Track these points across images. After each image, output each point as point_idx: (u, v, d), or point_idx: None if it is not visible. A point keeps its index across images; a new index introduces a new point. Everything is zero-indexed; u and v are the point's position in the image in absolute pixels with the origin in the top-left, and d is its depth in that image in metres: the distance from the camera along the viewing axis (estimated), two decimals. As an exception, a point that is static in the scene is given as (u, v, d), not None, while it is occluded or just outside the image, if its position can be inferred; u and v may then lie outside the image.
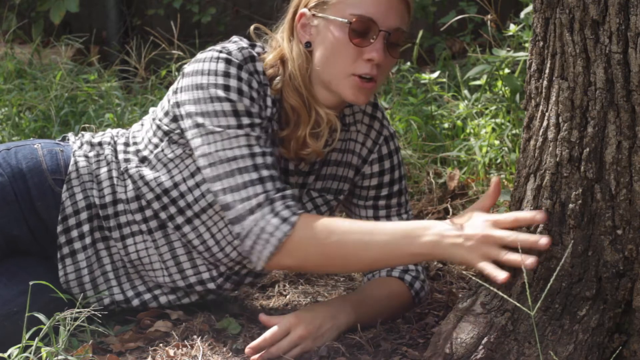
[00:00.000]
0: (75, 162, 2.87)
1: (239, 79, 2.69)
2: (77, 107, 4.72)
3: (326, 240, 2.58)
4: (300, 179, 2.84)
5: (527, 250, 2.38)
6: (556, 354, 2.34)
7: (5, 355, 2.48)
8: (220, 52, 2.72)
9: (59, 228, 2.85)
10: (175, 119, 2.78)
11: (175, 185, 2.78)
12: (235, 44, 2.74)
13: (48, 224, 2.85)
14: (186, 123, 2.72)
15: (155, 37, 5.55)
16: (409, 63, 5.00)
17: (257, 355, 2.63)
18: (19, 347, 2.48)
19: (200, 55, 2.75)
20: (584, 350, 2.35)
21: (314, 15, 2.74)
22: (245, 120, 2.67)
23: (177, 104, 2.75)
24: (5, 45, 5.75)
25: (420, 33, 5.06)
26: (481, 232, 2.44)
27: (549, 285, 2.35)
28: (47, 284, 2.72)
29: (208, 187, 2.75)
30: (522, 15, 4.50)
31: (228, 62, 2.70)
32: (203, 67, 2.71)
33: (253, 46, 2.77)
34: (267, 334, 2.63)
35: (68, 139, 2.98)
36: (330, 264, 2.67)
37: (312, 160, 2.83)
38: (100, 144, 2.91)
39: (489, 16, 4.66)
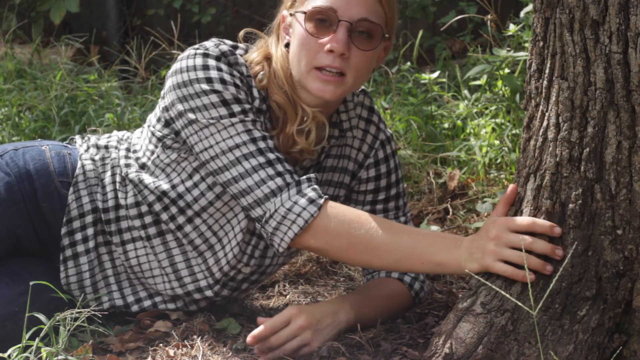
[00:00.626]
0: (82, 166, 2.88)
1: (219, 69, 2.70)
2: (77, 107, 4.72)
3: (354, 230, 2.59)
4: None
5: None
6: (556, 354, 2.34)
7: (6, 355, 2.48)
8: (197, 49, 2.73)
9: (63, 230, 2.85)
10: (167, 124, 2.78)
11: (174, 187, 2.79)
12: (212, 42, 2.76)
13: (52, 226, 2.86)
14: (179, 123, 2.73)
15: (155, 37, 5.55)
16: (409, 63, 5.00)
17: (260, 348, 2.62)
18: (19, 347, 2.48)
19: (178, 57, 2.76)
20: (584, 350, 2.35)
21: (290, 15, 2.74)
22: (236, 108, 2.67)
23: (166, 108, 2.76)
24: (5, 45, 5.75)
25: (420, 33, 5.06)
26: (494, 234, 2.46)
27: (550, 285, 2.35)
28: (48, 284, 2.72)
29: (208, 187, 2.75)
30: (522, 15, 4.50)
31: (205, 55, 2.71)
32: (181, 65, 2.72)
33: (235, 47, 2.78)
34: (267, 323, 2.63)
35: (75, 142, 2.99)
36: (352, 255, 2.65)
37: (305, 161, 2.82)
38: (106, 147, 2.92)
39: (489, 16, 4.66)
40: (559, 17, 2.34)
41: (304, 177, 2.64)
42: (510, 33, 4.42)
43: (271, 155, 2.65)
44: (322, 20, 2.67)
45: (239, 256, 2.84)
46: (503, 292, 2.38)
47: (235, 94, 2.68)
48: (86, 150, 2.92)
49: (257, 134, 2.67)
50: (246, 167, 2.65)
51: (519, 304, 2.36)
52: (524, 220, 2.42)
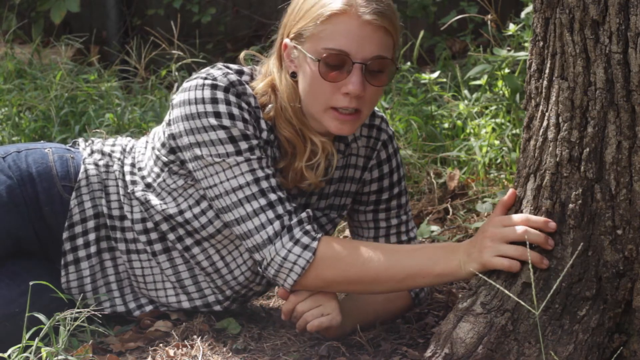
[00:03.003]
0: (86, 170, 2.86)
1: (228, 102, 2.66)
2: (77, 107, 4.72)
3: (350, 267, 2.61)
4: (303, 200, 2.83)
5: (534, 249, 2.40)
6: (556, 354, 2.34)
7: (6, 355, 2.48)
8: (205, 78, 2.68)
9: (65, 235, 2.84)
10: (172, 151, 2.75)
11: (181, 212, 2.77)
12: (220, 70, 2.70)
13: (53, 229, 2.84)
14: (186, 155, 2.71)
15: (155, 37, 5.55)
16: (409, 63, 5.00)
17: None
18: (19, 347, 2.48)
19: (186, 84, 2.71)
20: (584, 350, 2.35)
21: (294, 46, 2.68)
22: (243, 145, 2.65)
23: (172, 136, 2.73)
24: (5, 45, 5.75)
25: (421, 33, 5.06)
26: (489, 232, 2.47)
27: (554, 286, 2.35)
28: (48, 284, 2.72)
29: (216, 215, 2.74)
30: (522, 15, 4.50)
31: (214, 87, 2.66)
32: (189, 96, 2.67)
33: (240, 73, 2.73)
34: (292, 295, 2.69)
35: (78, 145, 2.97)
36: (353, 288, 2.69)
37: (311, 189, 2.82)
38: (110, 155, 2.89)
39: (489, 16, 4.66)
40: (559, 17, 2.34)
41: (295, 220, 2.63)
42: (510, 33, 4.42)
43: (273, 196, 2.64)
44: (336, 64, 2.62)
45: (252, 277, 2.84)
46: (505, 290, 2.38)
47: (243, 130, 2.66)
48: (90, 155, 2.90)
49: (260, 173, 2.65)
50: (247, 210, 2.64)
51: (521, 302, 2.36)
52: (518, 216, 2.44)
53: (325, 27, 2.62)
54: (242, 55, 2.83)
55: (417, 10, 5.89)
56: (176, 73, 5.11)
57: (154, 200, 2.79)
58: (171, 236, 2.80)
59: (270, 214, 2.63)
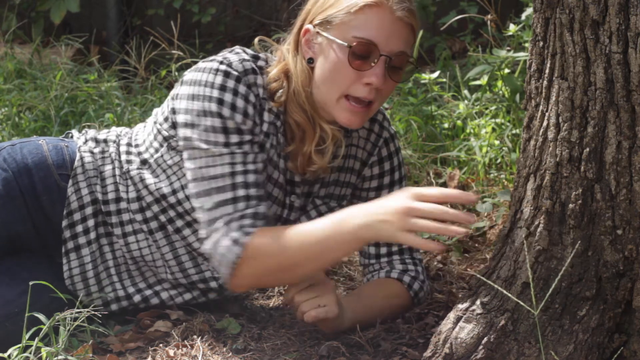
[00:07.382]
0: (81, 157, 2.88)
1: (235, 93, 2.68)
2: (77, 107, 4.72)
3: (270, 257, 2.61)
4: (306, 188, 2.85)
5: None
6: (556, 354, 2.34)
7: (6, 355, 2.48)
8: (221, 62, 2.70)
9: (64, 223, 2.85)
10: (174, 126, 2.77)
11: (174, 192, 2.79)
12: (237, 55, 2.73)
13: (52, 219, 2.86)
14: (179, 132, 2.73)
15: (155, 37, 5.55)
16: (409, 63, 4.99)
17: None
18: (19, 347, 2.48)
19: (201, 64, 2.73)
20: (584, 350, 2.35)
21: (318, 32, 2.71)
22: (234, 138, 2.67)
23: (174, 111, 2.76)
24: (5, 45, 5.75)
25: (421, 33, 5.06)
26: (402, 204, 2.47)
27: (553, 285, 2.35)
28: (48, 284, 2.72)
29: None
30: (522, 16, 4.51)
31: (227, 74, 2.68)
32: (201, 77, 2.70)
33: (256, 58, 2.76)
34: (294, 285, 2.69)
35: (71, 136, 2.99)
36: (283, 276, 2.68)
37: (318, 175, 2.82)
38: (105, 141, 2.92)
39: (489, 16, 4.66)
40: (559, 17, 2.34)
41: (238, 214, 2.62)
42: (510, 33, 4.42)
43: (240, 192, 2.65)
44: (364, 54, 2.65)
45: None
46: (504, 291, 2.39)
47: (240, 124, 2.67)
48: (84, 143, 2.92)
49: (239, 168, 2.66)
50: (213, 200, 2.65)
51: (521, 302, 2.36)
52: (435, 191, 2.46)
53: (358, 17, 2.66)
54: (255, 40, 2.84)
55: (417, 10, 5.89)
56: (176, 73, 5.12)
57: (149, 179, 2.81)
58: (162, 218, 2.82)
59: (230, 209, 2.64)
